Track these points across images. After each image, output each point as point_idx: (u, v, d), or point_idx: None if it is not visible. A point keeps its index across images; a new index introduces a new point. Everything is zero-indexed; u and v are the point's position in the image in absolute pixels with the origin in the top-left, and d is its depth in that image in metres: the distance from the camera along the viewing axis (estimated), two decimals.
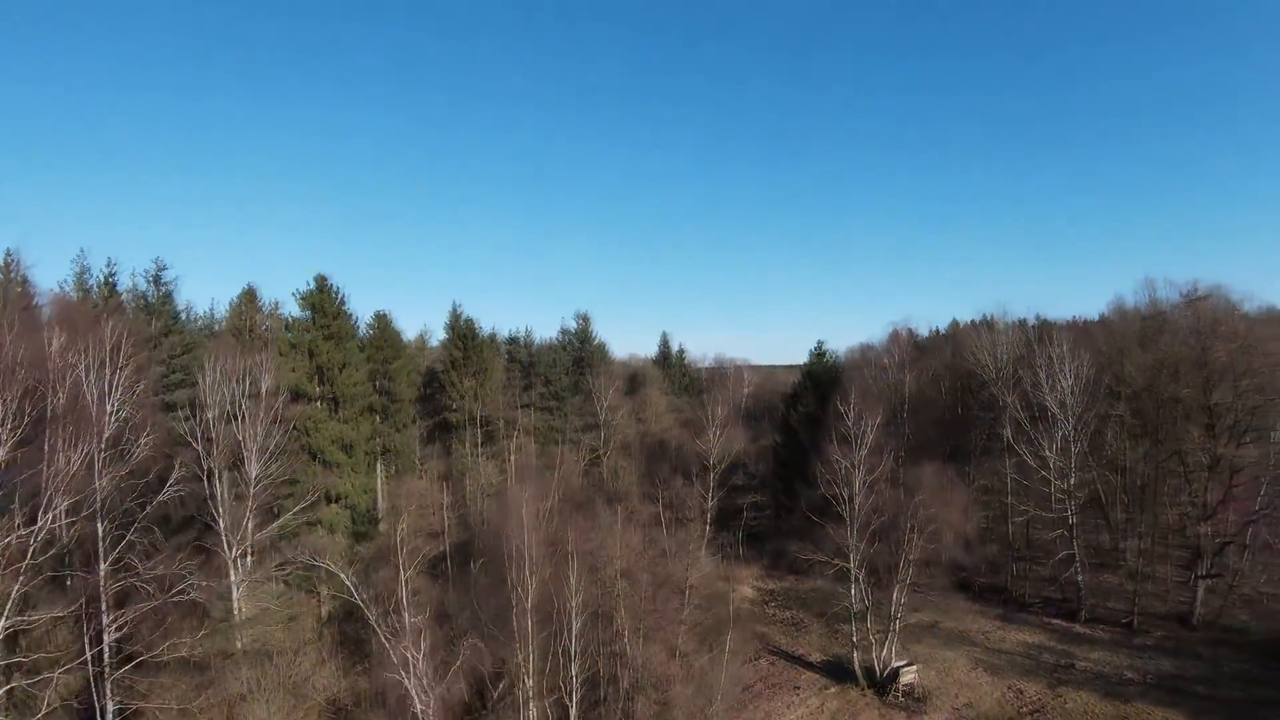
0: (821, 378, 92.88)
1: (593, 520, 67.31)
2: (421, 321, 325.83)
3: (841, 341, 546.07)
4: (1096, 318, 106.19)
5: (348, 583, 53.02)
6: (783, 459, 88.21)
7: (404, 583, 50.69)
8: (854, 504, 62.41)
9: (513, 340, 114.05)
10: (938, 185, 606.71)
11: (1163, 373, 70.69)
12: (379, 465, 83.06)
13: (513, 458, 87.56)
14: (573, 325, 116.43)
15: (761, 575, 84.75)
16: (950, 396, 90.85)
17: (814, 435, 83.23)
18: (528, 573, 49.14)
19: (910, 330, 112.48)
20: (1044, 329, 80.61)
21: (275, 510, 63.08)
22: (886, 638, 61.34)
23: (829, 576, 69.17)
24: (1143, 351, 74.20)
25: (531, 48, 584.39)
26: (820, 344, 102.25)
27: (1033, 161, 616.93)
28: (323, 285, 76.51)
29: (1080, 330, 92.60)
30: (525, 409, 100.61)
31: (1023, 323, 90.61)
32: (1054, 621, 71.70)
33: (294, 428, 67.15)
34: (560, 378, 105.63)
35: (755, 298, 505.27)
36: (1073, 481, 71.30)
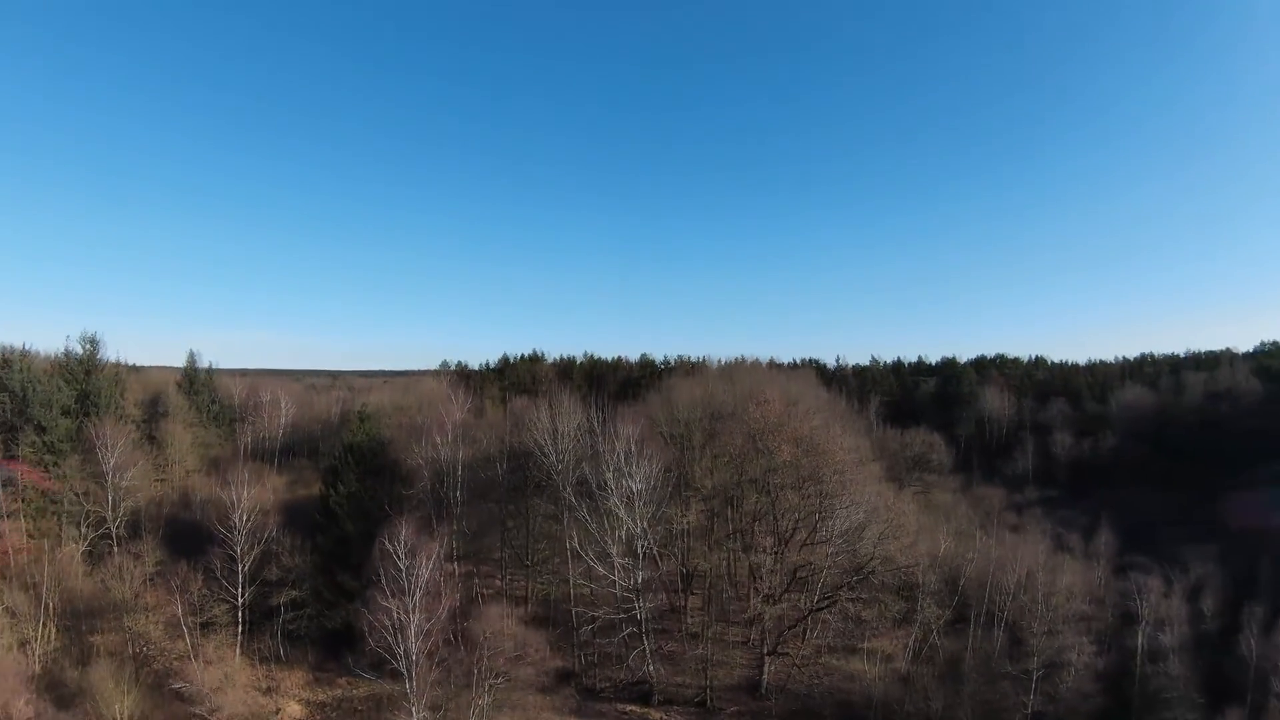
0: (364, 452, 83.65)
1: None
2: None
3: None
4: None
5: None
6: (324, 549, 78.67)
7: None
8: (411, 660, 57.03)
9: (4, 361, 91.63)
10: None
11: (729, 472, 71.56)
12: None
13: None
14: (78, 349, 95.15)
15: (309, 683, 76.52)
16: (509, 478, 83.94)
17: (359, 521, 76.47)
18: None
19: (463, 365, 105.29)
20: (607, 417, 76.78)
21: None
22: None
23: (385, 679, 63.57)
24: (709, 451, 74.63)
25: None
26: (363, 409, 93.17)
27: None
28: None
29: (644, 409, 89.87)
30: (12, 465, 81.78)
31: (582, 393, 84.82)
32: (629, 709, 71.25)
33: None
34: (57, 423, 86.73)
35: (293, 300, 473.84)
36: (641, 579, 70.59)
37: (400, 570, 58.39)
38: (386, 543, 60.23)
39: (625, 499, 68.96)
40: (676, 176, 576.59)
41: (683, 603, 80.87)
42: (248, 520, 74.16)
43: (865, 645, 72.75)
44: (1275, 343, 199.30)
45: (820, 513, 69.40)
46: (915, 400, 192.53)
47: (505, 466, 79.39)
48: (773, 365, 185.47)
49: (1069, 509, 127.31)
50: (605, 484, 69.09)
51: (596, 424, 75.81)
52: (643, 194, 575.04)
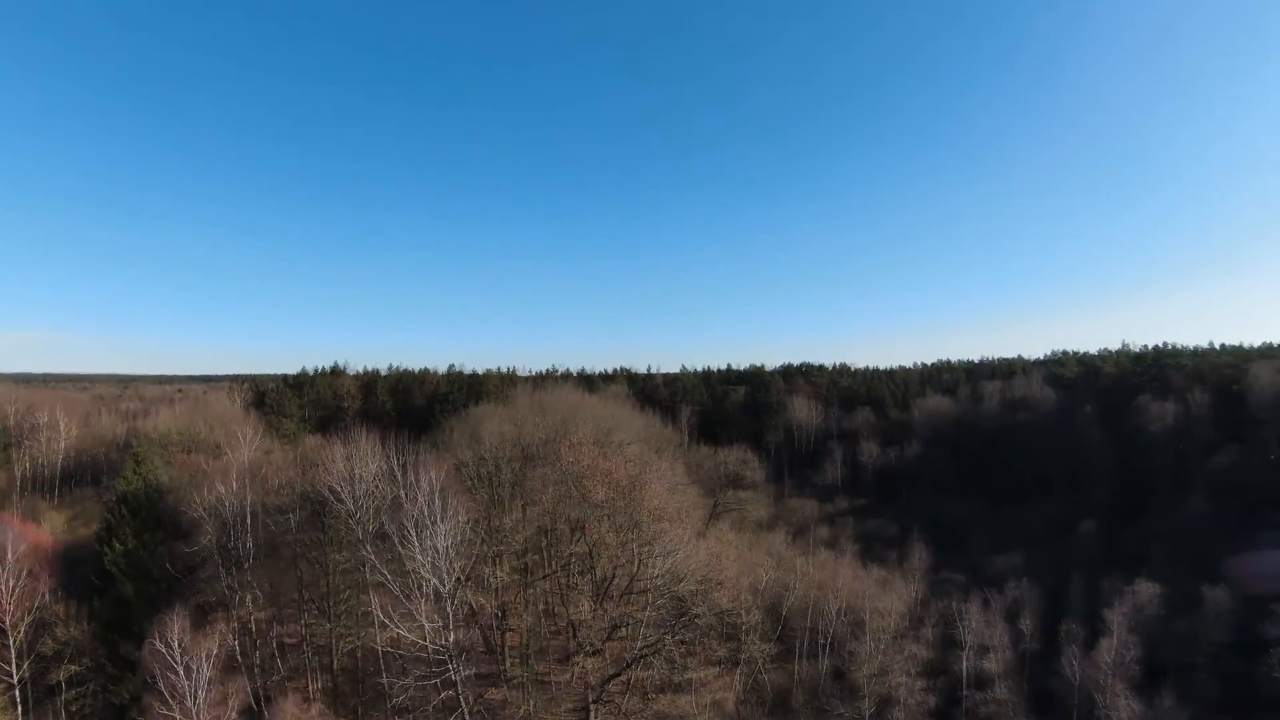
0: (141, 502, 75.89)
1: None
2: None
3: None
4: None
5: None
6: (103, 617, 70.67)
7: None
8: None
9: None
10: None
11: (544, 519, 68.03)
12: None
13: None
14: None
15: None
16: (305, 526, 74.39)
17: (140, 582, 69.96)
18: None
19: (257, 381, 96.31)
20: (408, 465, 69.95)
21: None
22: None
23: None
24: (520, 496, 70.49)
25: None
26: (139, 450, 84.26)
27: None
28: None
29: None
30: None
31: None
32: None
33: None
34: None
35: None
36: (454, 638, 66.29)
37: (178, 671, 53.65)
38: (158, 643, 54.81)
39: (430, 556, 63.78)
40: (500, 175, 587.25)
41: (500, 645, 77.03)
42: (15, 586, 66.92)
43: (693, 685, 71.17)
44: (1065, 352, 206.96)
45: (639, 559, 66.39)
46: (725, 409, 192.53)
47: (299, 516, 72.17)
48: (584, 378, 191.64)
49: (878, 518, 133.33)
50: (408, 538, 63.69)
51: (397, 467, 69.59)
52: (459, 191, 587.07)
